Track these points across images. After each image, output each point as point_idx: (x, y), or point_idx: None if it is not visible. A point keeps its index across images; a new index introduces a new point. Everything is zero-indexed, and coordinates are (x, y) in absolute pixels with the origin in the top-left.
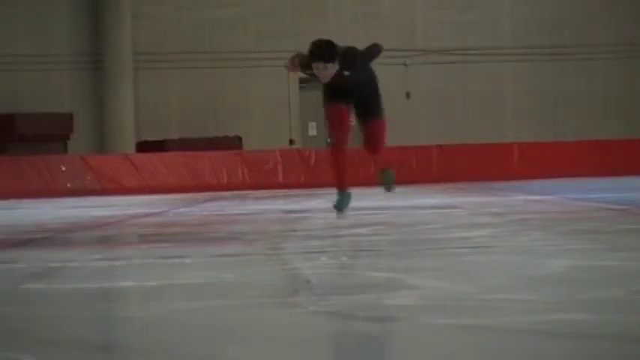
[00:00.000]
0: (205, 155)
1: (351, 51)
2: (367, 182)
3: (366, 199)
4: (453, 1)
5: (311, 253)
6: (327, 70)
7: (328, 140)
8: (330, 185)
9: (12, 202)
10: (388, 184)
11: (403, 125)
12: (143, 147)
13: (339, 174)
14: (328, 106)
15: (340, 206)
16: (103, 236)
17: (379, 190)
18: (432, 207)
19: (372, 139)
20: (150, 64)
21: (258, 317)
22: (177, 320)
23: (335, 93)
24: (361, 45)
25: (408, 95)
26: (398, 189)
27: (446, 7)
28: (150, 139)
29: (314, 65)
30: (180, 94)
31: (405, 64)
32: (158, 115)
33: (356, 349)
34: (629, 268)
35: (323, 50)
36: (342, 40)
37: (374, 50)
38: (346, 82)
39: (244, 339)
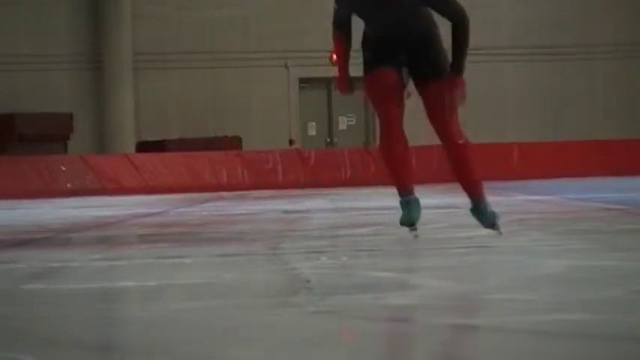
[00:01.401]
0: (205, 155)
1: None
2: (367, 182)
3: (365, 199)
4: None
5: (311, 253)
6: None
7: (376, 140)
8: (329, 185)
9: (12, 202)
10: (488, 219)
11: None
12: (143, 147)
13: (400, 171)
14: (370, 74)
15: (409, 219)
16: (103, 236)
17: (381, 190)
18: (432, 207)
19: (436, 107)
20: (150, 64)
21: (258, 317)
22: (177, 320)
23: (381, 48)
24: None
25: (407, 95)
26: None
27: None
28: (150, 139)
29: None
30: (180, 94)
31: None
32: (158, 115)
33: (356, 349)
34: (629, 268)
35: None
36: None
37: None
38: (401, 24)
39: (244, 339)
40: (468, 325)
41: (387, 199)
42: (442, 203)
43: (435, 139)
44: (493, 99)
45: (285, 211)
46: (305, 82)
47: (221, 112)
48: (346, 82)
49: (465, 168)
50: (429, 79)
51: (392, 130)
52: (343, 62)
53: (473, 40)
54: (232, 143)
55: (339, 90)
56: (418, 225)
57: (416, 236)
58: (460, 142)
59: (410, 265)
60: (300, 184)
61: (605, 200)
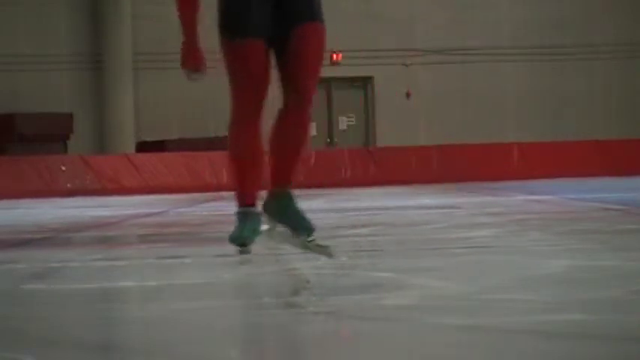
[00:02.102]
0: (205, 155)
1: None
2: (367, 182)
3: (365, 199)
4: (452, 1)
5: (311, 254)
6: None
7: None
8: (329, 185)
9: (12, 202)
10: (302, 228)
11: (403, 125)
12: (143, 147)
13: (246, 173)
14: (232, 43)
15: (241, 236)
16: (103, 236)
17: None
18: (432, 207)
19: (306, 55)
20: (150, 64)
21: (257, 317)
22: (177, 320)
23: (247, 9)
24: (363, 44)
25: (408, 95)
26: (397, 189)
27: (446, 7)
28: (150, 139)
29: None
30: (180, 94)
31: (405, 64)
32: (158, 115)
33: (356, 349)
34: (629, 268)
35: None
36: (342, 41)
37: None
38: None
39: (244, 339)
40: (468, 325)
41: (387, 199)
42: (441, 203)
43: (435, 139)
44: (493, 99)
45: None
46: None
47: (221, 112)
48: (200, 54)
49: (299, 144)
50: (304, 19)
51: (249, 120)
52: (194, 25)
53: (473, 40)
54: None
55: (188, 66)
56: (252, 248)
57: (247, 261)
58: (309, 111)
59: (410, 265)
60: (300, 184)
61: (605, 200)
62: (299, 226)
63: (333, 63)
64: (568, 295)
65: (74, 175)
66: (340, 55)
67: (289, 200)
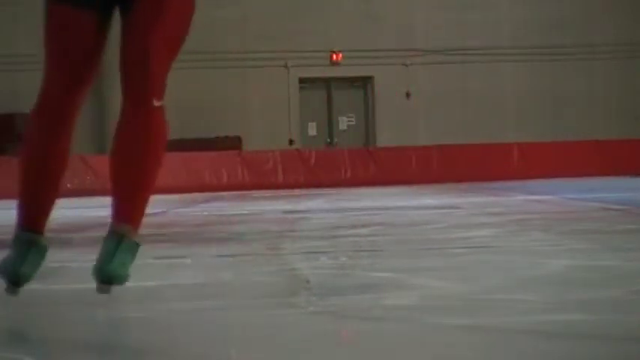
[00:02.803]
0: (205, 155)
1: None
2: (367, 182)
3: (366, 199)
4: (452, 1)
5: (311, 254)
6: None
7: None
8: (329, 185)
9: (12, 202)
10: (113, 273)
11: (403, 125)
12: None
13: (38, 185)
14: (46, 7)
15: (15, 269)
16: (103, 236)
17: (372, 192)
18: (432, 207)
19: (149, 29)
20: None
21: (257, 317)
22: (177, 320)
23: None
24: (363, 44)
25: (408, 95)
26: (397, 189)
27: (446, 7)
28: None
29: None
30: (180, 94)
31: (405, 64)
32: None
33: (356, 349)
34: (629, 268)
35: None
36: (342, 42)
37: None
38: None
39: (244, 339)
40: (468, 325)
41: (387, 199)
42: (441, 203)
43: (435, 139)
44: (493, 99)
45: (286, 212)
46: (305, 82)
47: (221, 112)
48: None
49: (139, 159)
50: None
51: (50, 111)
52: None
53: (473, 40)
54: (232, 143)
55: None
56: (24, 287)
57: (14, 294)
58: (157, 104)
59: (410, 265)
60: (300, 184)
61: (605, 200)
62: (100, 267)
63: (333, 63)
64: (568, 295)
65: (74, 175)
66: (340, 55)
67: (113, 245)
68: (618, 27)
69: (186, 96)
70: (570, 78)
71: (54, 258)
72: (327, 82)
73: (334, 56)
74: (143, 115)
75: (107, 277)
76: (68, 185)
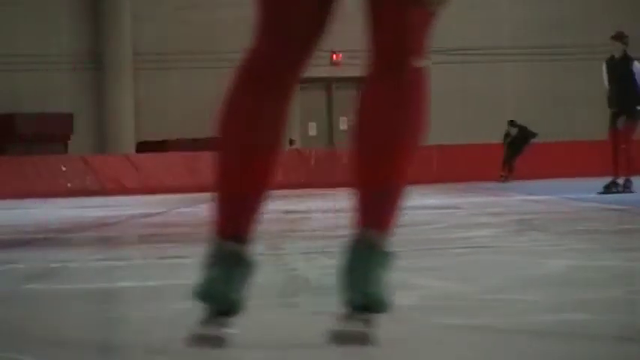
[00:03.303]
0: (205, 155)
1: None
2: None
3: None
4: (452, 1)
5: (311, 254)
6: None
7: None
8: (329, 185)
9: (12, 202)
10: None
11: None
12: (143, 147)
13: (227, 178)
14: None
15: (216, 293)
16: (103, 236)
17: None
18: (432, 207)
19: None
20: (150, 64)
21: (257, 317)
22: (177, 320)
23: None
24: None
25: None
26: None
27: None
28: (150, 139)
29: None
30: (181, 94)
31: None
32: (158, 115)
33: (356, 349)
34: (629, 268)
35: None
36: (342, 42)
37: None
38: None
39: (244, 339)
40: (468, 325)
41: None
42: (441, 203)
43: (435, 139)
44: (493, 99)
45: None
46: (305, 82)
47: None
48: None
49: (398, 138)
50: None
51: (254, 89)
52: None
53: (473, 40)
54: None
55: None
56: (237, 318)
57: (220, 341)
58: (417, 64)
59: (410, 265)
60: (300, 184)
61: (605, 200)
62: (355, 294)
63: (333, 63)
64: (568, 295)
65: (74, 175)
66: (340, 55)
67: (365, 259)
68: (618, 27)
69: (186, 96)
70: (570, 78)
71: (54, 258)
72: (327, 82)
73: (334, 56)
74: (398, 78)
75: (372, 302)
76: (68, 185)
